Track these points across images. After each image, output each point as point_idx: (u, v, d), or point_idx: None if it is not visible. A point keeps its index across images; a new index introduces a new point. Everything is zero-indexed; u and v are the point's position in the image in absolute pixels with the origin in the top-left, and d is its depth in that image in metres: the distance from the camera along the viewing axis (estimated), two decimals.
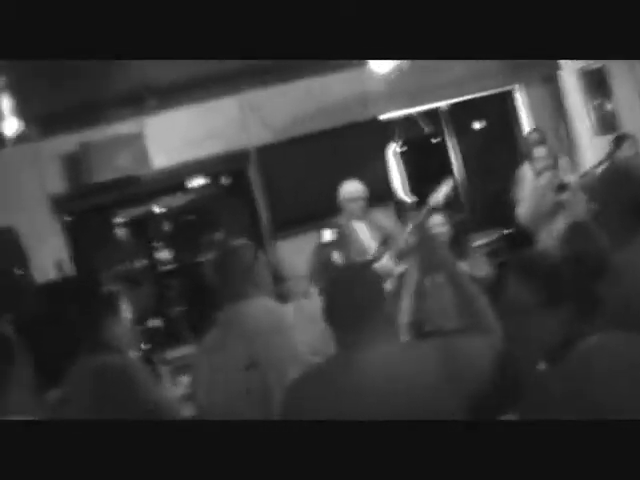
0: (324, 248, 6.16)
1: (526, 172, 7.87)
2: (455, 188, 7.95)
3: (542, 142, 8.10)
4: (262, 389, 3.20)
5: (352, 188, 6.59)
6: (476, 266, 6.23)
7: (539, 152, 7.74)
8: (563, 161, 8.13)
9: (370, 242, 6.54)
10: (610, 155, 7.77)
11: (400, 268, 6.55)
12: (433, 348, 2.63)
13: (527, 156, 7.96)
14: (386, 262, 6.48)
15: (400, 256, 6.52)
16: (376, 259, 6.41)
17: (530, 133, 8.89)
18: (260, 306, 3.42)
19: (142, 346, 4.85)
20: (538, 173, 7.68)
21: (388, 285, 6.61)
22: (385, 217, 6.90)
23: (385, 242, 6.45)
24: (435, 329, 6.47)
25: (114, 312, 4.23)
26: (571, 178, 7.49)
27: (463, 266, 6.13)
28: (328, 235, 6.23)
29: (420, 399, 2.45)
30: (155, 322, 4.79)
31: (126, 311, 4.28)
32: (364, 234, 6.62)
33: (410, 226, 6.49)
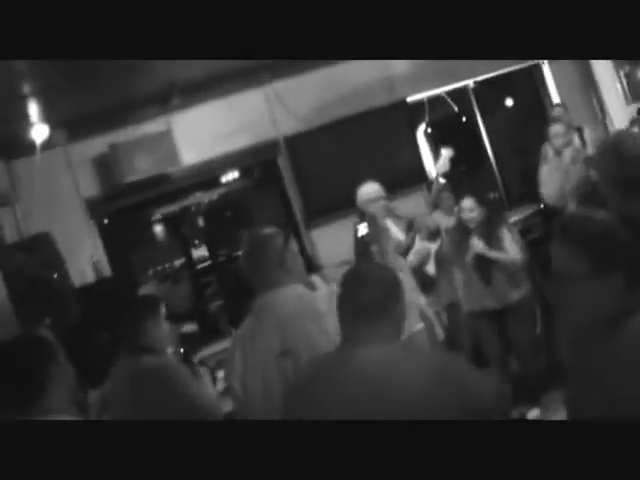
0: (362, 241, 6.16)
1: (547, 151, 7.78)
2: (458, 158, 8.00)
3: (558, 119, 8.01)
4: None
5: (370, 190, 6.53)
6: (510, 252, 6.32)
7: (555, 129, 7.65)
8: (587, 134, 8.04)
9: (399, 234, 6.53)
10: (633, 122, 7.71)
11: (434, 245, 6.60)
12: (432, 359, 2.75)
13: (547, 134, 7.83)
14: (420, 245, 6.50)
15: (430, 236, 6.55)
16: (410, 246, 6.45)
17: (553, 108, 8.80)
18: (291, 293, 3.41)
19: (180, 349, 4.89)
20: (557, 151, 7.57)
21: (430, 268, 6.67)
22: (404, 206, 6.89)
23: (411, 227, 6.47)
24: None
25: (153, 314, 4.27)
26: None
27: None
28: (363, 229, 6.22)
29: (412, 402, 2.43)
30: (190, 327, 4.81)
31: (164, 313, 4.32)
32: (393, 229, 6.61)
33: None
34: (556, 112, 8.45)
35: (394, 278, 2.77)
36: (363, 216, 6.39)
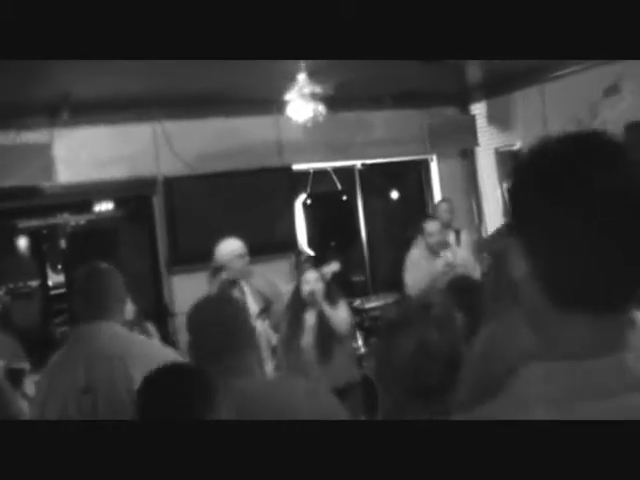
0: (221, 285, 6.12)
1: (419, 246, 7.83)
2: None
3: (435, 217, 8.13)
4: (93, 416, 3.09)
5: (235, 245, 6.49)
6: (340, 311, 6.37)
7: (430, 227, 7.69)
8: (464, 237, 8.21)
9: (251, 303, 6.48)
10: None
11: (275, 339, 6.55)
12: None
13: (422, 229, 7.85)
14: (264, 329, 6.45)
15: (276, 328, 6.52)
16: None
17: (439, 203, 8.96)
18: (107, 331, 3.33)
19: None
20: (430, 248, 7.61)
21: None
22: (266, 283, 6.86)
23: (266, 309, 6.42)
24: None
25: None
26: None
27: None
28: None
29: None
30: (21, 364, 4.68)
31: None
32: (246, 294, 6.57)
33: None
34: (441, 207, 8.59)
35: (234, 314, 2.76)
36: (218, 271, 6.34)
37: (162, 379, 2.46)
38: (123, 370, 3.13)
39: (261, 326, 6.25)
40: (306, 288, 6.41)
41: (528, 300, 1.27)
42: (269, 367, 6.20)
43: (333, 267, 6.92)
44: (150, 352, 3.29)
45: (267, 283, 6.73)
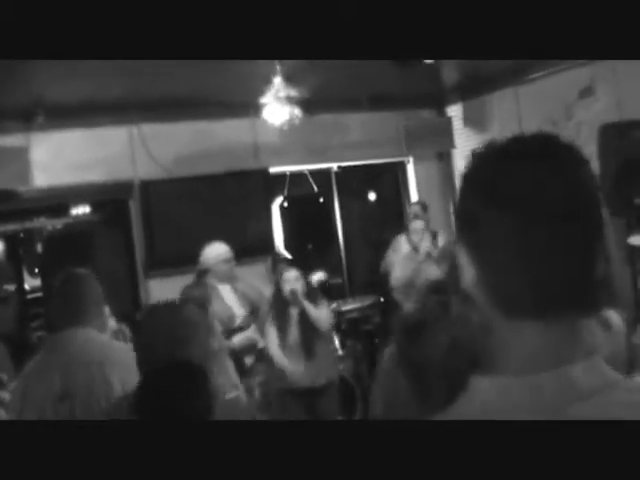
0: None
1: (402, 244, 8.02)
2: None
3: (419, 216, 8.30)
4: None
5: (222, 250, 6.55)
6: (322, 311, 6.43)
7: (415, 225, 7.94)
8: (440, 239, 8.30)
9: (236, 307, 6.49)
10: None
11: (262, 343, 6.55)
12: None
13: (406, 228, 8.11)
14: (251, 333, 6.47)
15: (262, 331, 6.54)
16: (242, 328, 6.41)
17: (412, 205, 9.09)
18: (83, 336, 3.32)
19: None
20: (414, 247, 7.86)
21: (249, 359, 6.58)
22: (250, 287, 6.89)
23: (252, 313, 6.47)
24: None
25: None
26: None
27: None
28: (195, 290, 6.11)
29: None
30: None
31: None
32: (229, 297, 6.57)
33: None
34: (413, 210, 8.73)
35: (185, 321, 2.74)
36: (203, 275, 6.35)
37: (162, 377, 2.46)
38: (101, 376, 3.12)
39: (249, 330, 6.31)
40: (287, 287, 6.45)
41: (478, 307, 1.24)
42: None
43: (319, 276, 7.00)
44: (128, 358, 3.28)
45: (252, 287, 6.77)
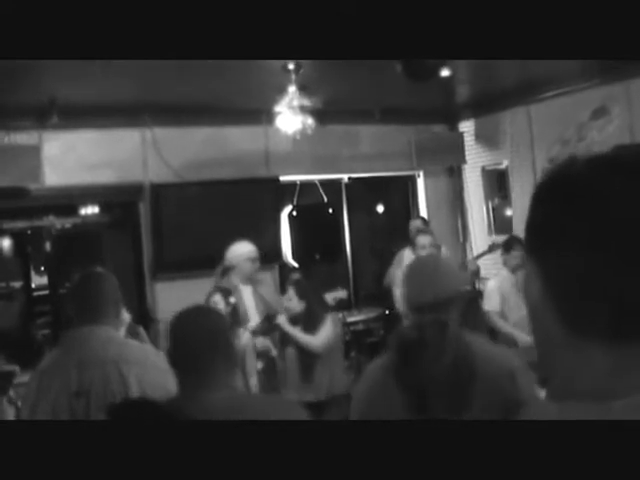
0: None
1: (405, 258, 7.97)
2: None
3: (426, 231, 8.27)
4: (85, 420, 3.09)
5: (248, 248, 6.45)
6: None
7: (422, 240, 7.84)
8: (443, 252, 8.30)
9: (252, 311, 6.44)
10: (480, 255, 8.12)
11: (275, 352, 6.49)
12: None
13: (411, 242, 8.05)
14: (264, 341, 6.39)
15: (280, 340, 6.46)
16: (257, 333, 6.32)
17: (414, 220, 9.08)
18: (101, 334, 3.33)
19: None
20: None
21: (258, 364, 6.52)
22: (271, 294, 6.83)
23: (269, 320, 6.34)
24: None
25: None
26: None
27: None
28: (218, 299, 6.06)
29: None
30: (9, 367, 4.65)
31: None
32: (248, 299, 6.52)
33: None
34: (416, 225, 8.72)
35: (219, 322, 2.77)
36: (227, 271, 6.31)
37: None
38: (118, 374, 3.14)
39: (248, 339, 6.22)
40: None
41: (542, 325, 1.17)
42: (254, 381, 6.14)
43: (340, 294, 6.92)
44: (144, 357, 3.30)
45: (273, 294, 6.69)
